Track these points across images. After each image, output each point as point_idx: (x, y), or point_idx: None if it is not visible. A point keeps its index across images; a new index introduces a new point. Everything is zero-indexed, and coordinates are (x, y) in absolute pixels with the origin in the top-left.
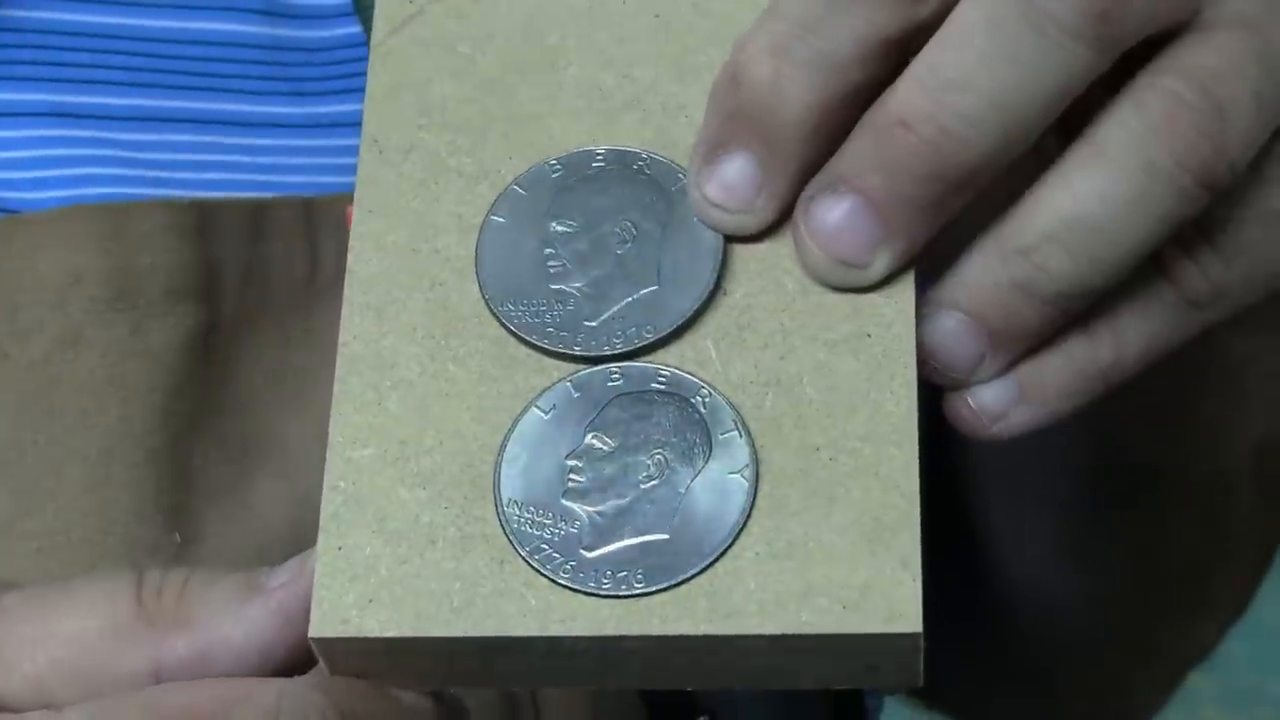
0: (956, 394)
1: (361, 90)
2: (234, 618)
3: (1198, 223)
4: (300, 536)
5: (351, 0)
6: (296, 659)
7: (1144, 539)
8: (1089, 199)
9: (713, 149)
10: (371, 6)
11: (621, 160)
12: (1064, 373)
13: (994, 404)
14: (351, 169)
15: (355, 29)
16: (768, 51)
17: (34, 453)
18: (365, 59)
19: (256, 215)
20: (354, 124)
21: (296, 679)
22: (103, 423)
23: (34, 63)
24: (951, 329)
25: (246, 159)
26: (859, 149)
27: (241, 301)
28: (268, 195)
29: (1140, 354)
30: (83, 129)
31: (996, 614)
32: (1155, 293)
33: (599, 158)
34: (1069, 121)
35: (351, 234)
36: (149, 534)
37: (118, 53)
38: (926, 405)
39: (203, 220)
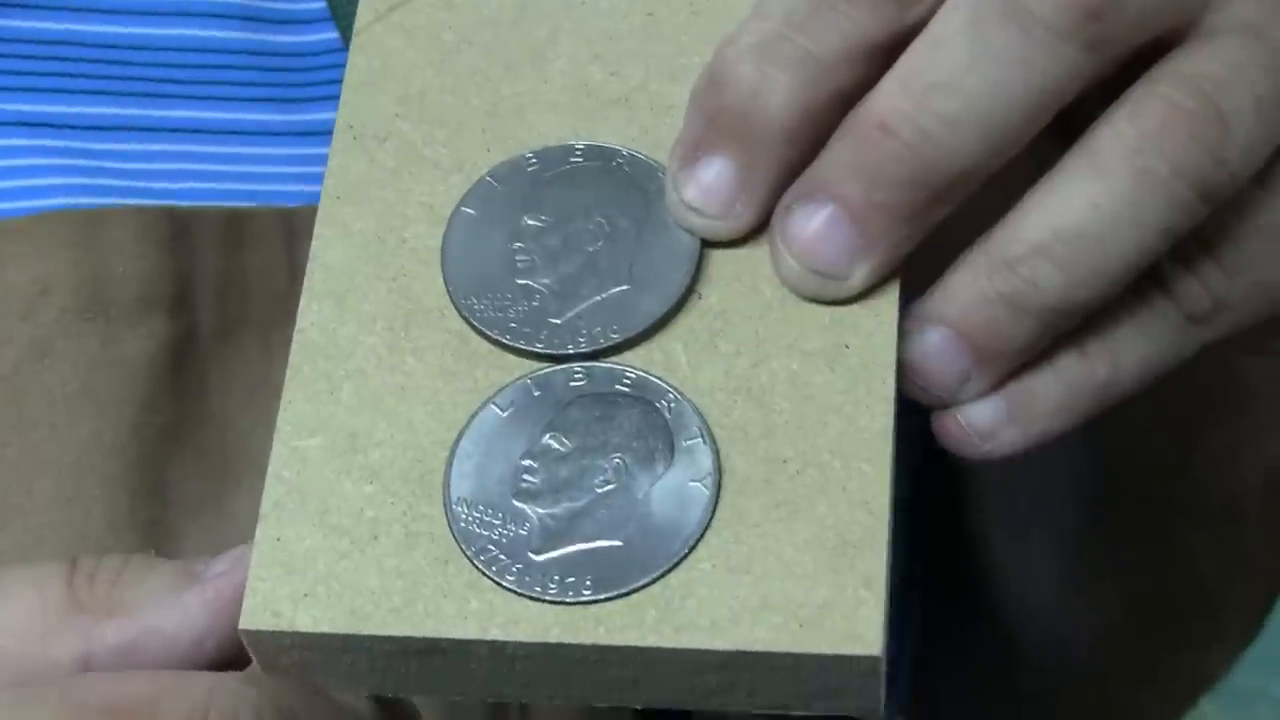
0: (945, 411)
1: None
2: (167, 606)
3: (1199, 235)
4: None
5: (327, 6)
6: (230, 653)
7: (1154, 569)
8: (1080, 209)
9: (691, 151)
10: (347, 13)
11: (601, 156)
12: (1056, 391)
13: (983, 422)
14: None
15: (334, 34)
16: (751, 51)
17: (4, 465)
18: (345, 65)
19: (233, 224)
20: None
21: (229, 674)
22: (74, 435)
23: (2, 72)
24: (935, 345)
25: (225, 168)
26: (837, 154)
27: (218, 312)
28: (245, 204)
29: (1137, 372)
30: (53, 139)
31: (1000, 642)
32: (1153, 308)
33: (578, 153)
34: (1074, 135)
35: (317, 220)
36: (123, 548)
37: (90, 61)
38: (924, 434)
39: (177, 228)
